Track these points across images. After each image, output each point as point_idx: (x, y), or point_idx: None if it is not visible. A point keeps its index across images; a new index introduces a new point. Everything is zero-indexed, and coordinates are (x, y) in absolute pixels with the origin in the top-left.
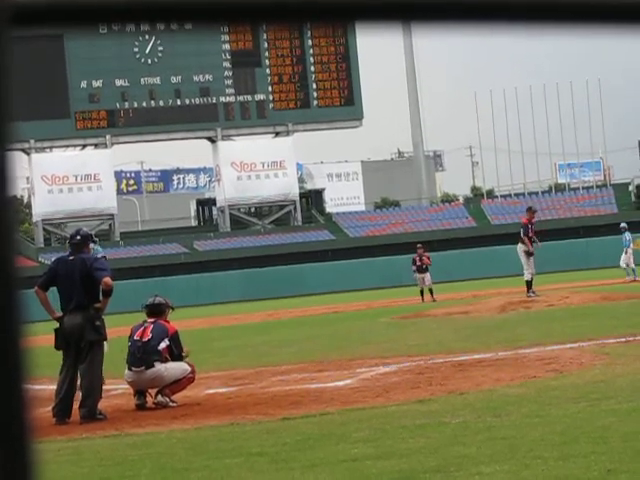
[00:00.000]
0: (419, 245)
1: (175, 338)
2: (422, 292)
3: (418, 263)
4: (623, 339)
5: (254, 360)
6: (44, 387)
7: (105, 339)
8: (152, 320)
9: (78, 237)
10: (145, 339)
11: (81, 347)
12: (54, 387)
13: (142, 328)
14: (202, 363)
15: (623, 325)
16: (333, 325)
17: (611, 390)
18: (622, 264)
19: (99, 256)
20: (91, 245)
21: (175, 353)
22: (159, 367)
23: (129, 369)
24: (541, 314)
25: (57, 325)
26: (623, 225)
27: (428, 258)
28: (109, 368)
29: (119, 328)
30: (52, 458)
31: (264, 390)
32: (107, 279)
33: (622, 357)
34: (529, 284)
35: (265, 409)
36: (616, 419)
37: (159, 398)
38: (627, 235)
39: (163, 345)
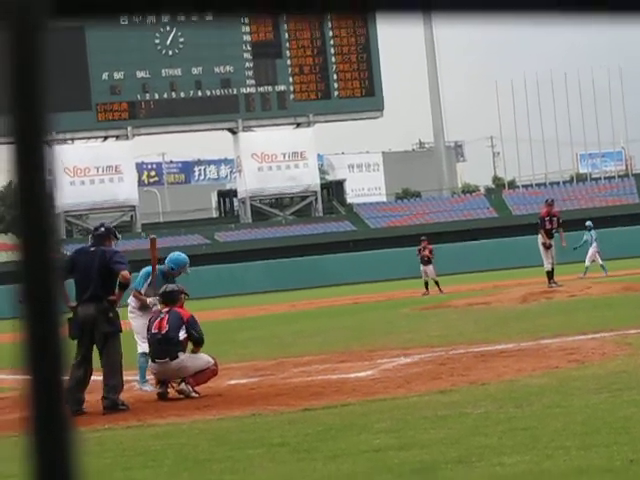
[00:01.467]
0: (423, 237)
1: (192, 323)
2: (426, 284)
3: (423, 253)
4: None
5: (276, 351)
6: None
7: (120, 331)
8: (167, 310)
9: (102, 229)
10: (163, 331)
11: (95, 338)
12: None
13: (158, 320)
14: (224, 354)
15: None
16: (354, 316)
17: (633, 381)
18: (588, 262)
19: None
20: (114, 241)
21: (195, 337)
22: (182, 357)
23: (153, 361)
24: (563, 304)
25: (71, 315)
26: (589, 223)
27: (430, 251)
28: (129, 360)
29: None
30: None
31: (286, 381)
32: (125, 272)
33: None
34: (550, 275)
35: (287, 400)
36: (638, 409)
37: (182, 386)
38: (593, 233)
39: (182, 335)
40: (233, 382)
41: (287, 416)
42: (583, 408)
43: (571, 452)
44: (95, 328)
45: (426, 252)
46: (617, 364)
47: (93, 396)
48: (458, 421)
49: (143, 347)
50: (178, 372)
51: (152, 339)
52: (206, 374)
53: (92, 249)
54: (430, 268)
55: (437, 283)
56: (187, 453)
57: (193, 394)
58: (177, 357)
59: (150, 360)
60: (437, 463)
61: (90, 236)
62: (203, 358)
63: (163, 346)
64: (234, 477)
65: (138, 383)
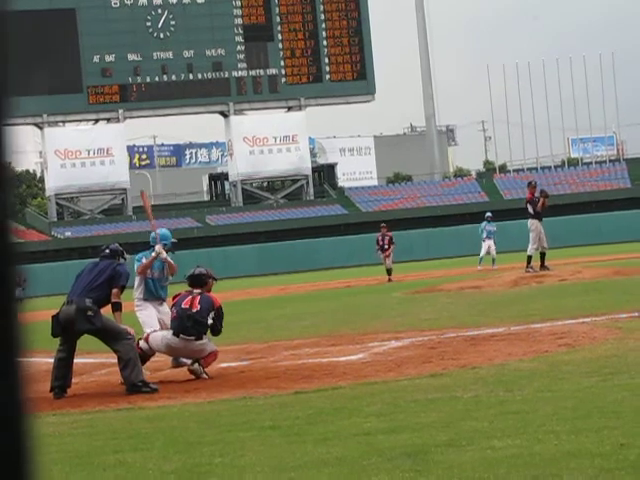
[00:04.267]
0: (383, 225)
1: (219, 313)
2: (388, 271)
3: (381, 243)
4: (636, 314)
5: (267, 334)
6: (44, 360)
7: (100, 328)
8: (198, 291)
9: (107, 251)
10: (194, 309)
11: (76, 337)
12: (52, 360)
13: (190, 297)
14: (215, 337)
15: (636, 300)
16: (345, 299)
17: (624, 365)
18: (484, 253)
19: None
20: (121, 260)
21: (217, 328)
22: (205, 340)
23: (176, 335)
24: (553, 289)
25: (55, 312)
26: (489, 214)
27: (390, 239)
28: None
29: None
30: (66, 431)
31: (277, 364)
32: (116, 291)
33: (635, 332)
34: (529, 259)
35: (277, 383)
36: (629, 393)
37: (195, 366)
38: (493, 224)
39: (211, 320)
40: (224, 365)
41: (278, 399)
42: (573, 392)
43: (561, 436)
44: (74, 327)
45: (386, 241)
46: (607, 348)
47: (83, 378)
48: (449, 405)
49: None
50: (195, 352)
51: (181, 313)
52: (211, 357)
53: (98, 262)
54: (389, 256)
55: (389, 271)
56: (178, 436)
57: (204, 375)
58: (202, 338)
59: (171, 333)
60: (428, 447)
61: (99, 258)
62: (211, 345)
63: (192, 324)
64: (224, 460)
65: None
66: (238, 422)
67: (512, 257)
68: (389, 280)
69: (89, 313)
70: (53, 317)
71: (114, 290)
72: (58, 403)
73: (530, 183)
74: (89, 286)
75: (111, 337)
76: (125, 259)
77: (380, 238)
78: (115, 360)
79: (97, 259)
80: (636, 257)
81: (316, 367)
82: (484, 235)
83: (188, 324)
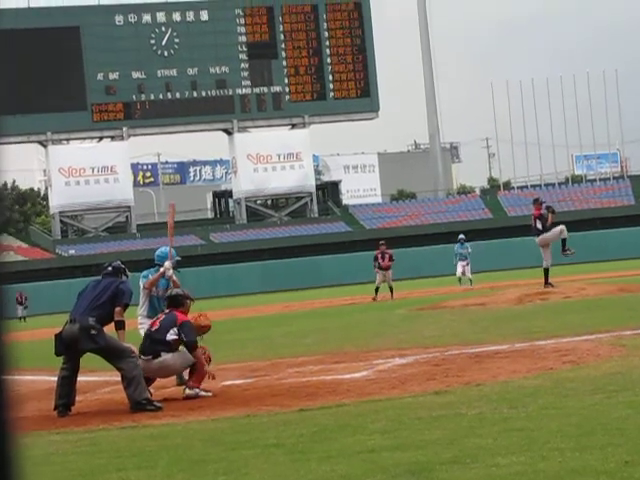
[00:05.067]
0: (382, 242)
1: (184, 327)
2: (377, 290)
3: (380, 261)
4: None
5: (271, 352)
6: (47, 378)
7: (102, 347)
8: (168, 311)
9: (110, 268)
10: (153, 329)
11: (79, 355)
12: (55, 378)
13: (156, 319)
14: (218, 355)
15: None
16: (349, 317)
17: (628, 382)
18: (460, 274)
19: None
20: (123, 278)
21: (185, 340)
22: (165, 357)
23: (139, 357)
24: (557, 306)
25: (58, 331)
26: (462, 236)
27: (390, 257)
28: None
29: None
30: (70, 449)
31: (281, 382)
32: (119, 309)
33: (639, 349)
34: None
35: (282, 401)
36: (633, 411)
37: (187, 392)
38: (467, 246)
39: (172, 336)
40: (228, 383)
41: (282, 417)
42: (578, 409)
43: (566, 453)
44: (77, 346)
45: (386, 260)
46: (612, 365)
47: (87, 396)
48: (453, 422)
49: None
50: (160, 371)
51: (144, 336)
52: (200, 368)
53: (101, 280)
54: (389, 274)
55: (391, 289)
56: (182, 454)
57: (203, 393)
58: (160, 356)
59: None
60: (432, 464)
61: (101, 275)
62: (186, 355)
63: (148, 343)
64: (228, 478)
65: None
66: (242, 440)
67: (516, 274)
68: (392, 297)
69: (92, 332)
70: (56, 336)
71: (117, 308)
72: (62, 421)
73: (537, 200)
74: (92, 304)
75: (115, 355)
76: (127, 276)
77: (380, 256)
78: (119, 378)
79: (99, 277)
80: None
81: (320, 385)
82: (457, 258)
83: (146, 344)
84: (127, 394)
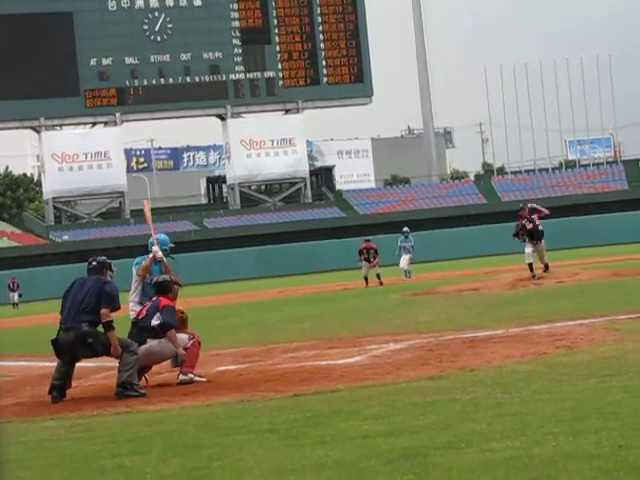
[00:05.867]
0: (368, 238)
1: (164, 310)
2: (366, 278)
3: (366, 255)
4: (634, 315)
5: (265, 337)
6: (42, 364)
7: (102, 353)
8: (155, 298)
9: (95, 263)
10: (140, 317)
11: (77, 360)
12: (49, 364)
13: (142, 307)
14: (213, 340)
15: (634, 301)
16: (344, 302)
17: (622, 366)
18: (403, 266)
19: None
20: (109, 273)
21: (164, 322)
22: (152, 343)
23: None
24: (551, 290)
25: (54, 337)
26: (406, 229)
27: (375, 251)
28: None
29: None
30: (64, 435)
31: (275, 367)
32: (105, 311)
33: (633, 333)
34: (546, 266)
35: (276, 386)
36: (627, 395)
37: (181, 377)
38: (412, 239)
39: (156, 321)
40: (222, 368)
41: (276, 402)
42: (572, 394)
43: (560, 438)
44: (76, 352)
45: (372, 257)
46: (605, 350)
47: (81, 382)
48: (447, 407)
49: None
50: (148, 357)
51: (132, 324)
52: (192, 353)
53: (86, 278)
54: (376, 262)
55: (379, 275)
56: (176, 439)
57: (197, 379)
58: (145, 342)
59: None
60: (426, 449)
61: (87, 270)
62: (178, 339)
63: (136, 331)
64: (223, 463)
65: None
66: (236, 425)
67: (510, 259)
68: (380, 284)
69: (89, 340)
70: (52, 342)
71: (103, 310)
72: (56, 407)
73: (523, 208)
74: (82, 308)
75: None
76: (113, 271)
77: (365, 251)
78: (112, 364)
79: (86, 274)
80: (633, 258)
81: (314, 370)
82: (400, 251)
83: (133, 332)
84: (118, 377)
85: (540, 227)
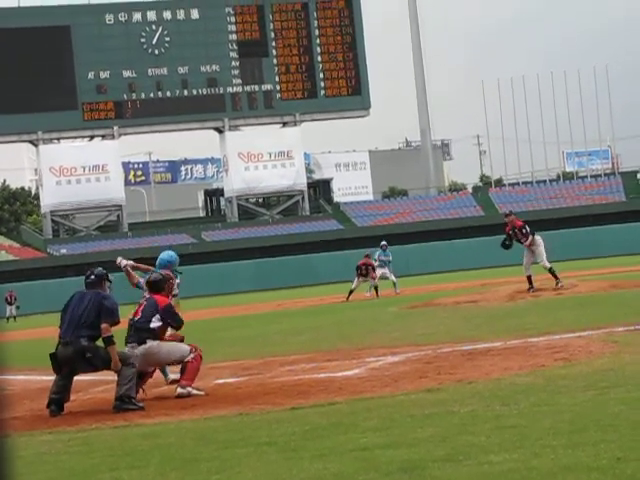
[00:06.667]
0: (367, 254)
1: (167, 311)
2: (376, 289)
3: (364, 272)
4: (632, 327)
5: (263, 350)
6: (40, 378)
7: (100, 369)
8: (148, 296)
9: (93, 277)
10: (136, 317)
11: (75, 374)
12: (47, 378)
13: (138, 306)
14: (211, 353)
15: (632, 313)
16: (342, 314)
17: (620, 378)
18: (383, 278)
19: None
20: (107, 284)
21: (172, 324)
22: (151, 344)
23: (125, 345)
24: (550, 302)
25: (53, 350)
26: (384, 243)
27: (373, 267)
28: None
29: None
30: (62, 449)
31: (273, 380)
32: (105, 326)
33: (631, 345)
34: (553, 272)
35: (274, 399)
36: (625, 407)
37: (179, 390)
38: (389, 253)
39: (156, 323)
40: (220, 381)
41: (274, 415)
42: (570, 406)
43: (558, 450)
44: (74, 367)
45: (370, 273)
46: (604, 362)
47: (80, 395)
48: (445, 419)
49: None
50: (146, 358)
51: (128, 325)
52: (193, 366)
53: (85, 292)
54: (375, 274)
55: (376, 288)
56: (174, 453)
57: (195, 392)
58: (145, 343)
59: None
60: (424, 461)
61: (84, 284)
62: (178, 348)
63: (134, 331)
64: (221, 477)
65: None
66: (235, 439)
67: (507, 271)
68: (377, 296)
69: (88, 355)
70: (51, 356)
71: (103, 325)
72: (54, 421)
73: (510, 214)
74: (81, 322)
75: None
76: (111, 282)
77: (363, 267)
78: (111, 377)
79: (84, 287)
80: (632, 270)
81: (312, 383)
82: (377, 264)
83: (131, 332)
84: (116, 391)
85: (526, 228)
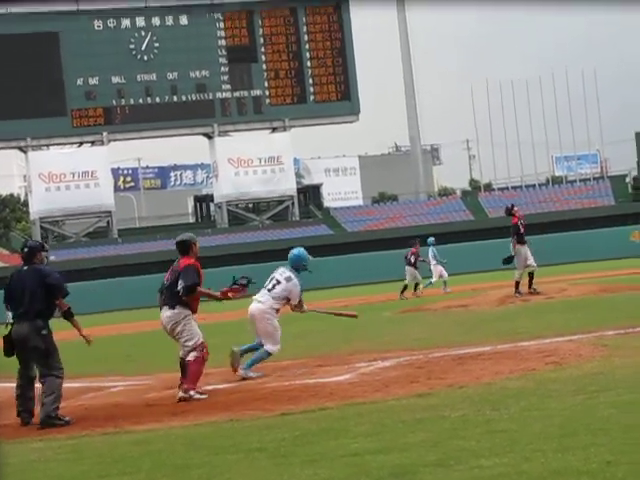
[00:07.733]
0: (415, 242)
1: (185, 271)
2: (416, 286)
3: (412, 262)
4: (622, 331)
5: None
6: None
7: (53, 349)
8: (176, 260)
9: (26, 249)
10: (167, 283)
11: (29, 355)
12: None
13: (169, 270)
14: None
15: (622, 317)
16: (331, 320)
17: (610, 382)
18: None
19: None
20: (43, 253)
21: (184, 284)
22: (179, 311)
23: (161, 309)
24: (540, 306)
25: (6, 332)
26: (431, 240)
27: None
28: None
29: (130, 324)
30: (52, 456)
31: (263, 386)
32: (60, 301)
33: (621, 349)
34: (517, 284)
35: (264, 405)
36: (616, 411)
37: (180, 394)
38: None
39: (181, 286)
40: (210, 387)
41: (265, 421)
42: (560, 410)
43: (548, 454)
44: (27, 345)
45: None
46: (594, 366)
47: (69, 403)
48: (436, 424)
49: (272, 348)
50: (170, 323)
51: (162, 289)
52: (193, 368)
53: (25, 268)
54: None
55: (417, 285)
56: (165, 459)
57: (197, 396)
58: (174, 308)
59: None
60: (416, 466)
61: (21, 259)
62: (189, 332)
63: (169, 295)
64: None
65: (243, 366)
66: (225, 444)
67: (497, 276)
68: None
69: (43, 332)
70: (4, 337)
71: (58, 302)
72: (46, 429)
73: (512, 208)
74: (31, 302)
75: (49, 363)
76: (47, 250)
77: (412, 256)
78: (101, 384)
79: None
80: (621, 274)
81: (303, 388)
82: (433, 262)
83: (167, 295)
84: (43, 402)
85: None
